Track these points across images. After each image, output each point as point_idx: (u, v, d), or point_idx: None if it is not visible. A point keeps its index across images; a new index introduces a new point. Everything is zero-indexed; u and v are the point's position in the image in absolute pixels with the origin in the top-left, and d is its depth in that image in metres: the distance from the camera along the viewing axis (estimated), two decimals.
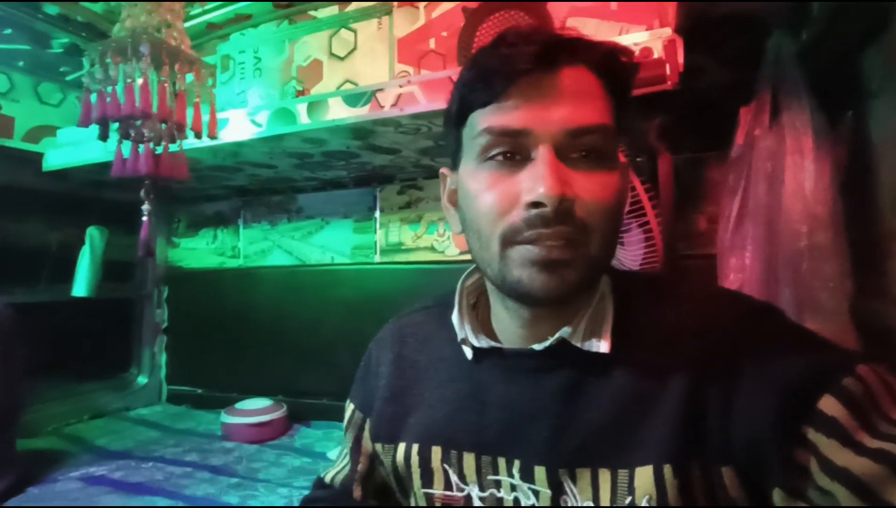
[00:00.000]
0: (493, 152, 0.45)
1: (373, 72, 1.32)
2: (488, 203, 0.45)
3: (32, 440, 1.47)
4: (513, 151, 0.44)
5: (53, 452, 1.47)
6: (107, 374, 1.96)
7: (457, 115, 0.49)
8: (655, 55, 0.89)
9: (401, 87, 1.05)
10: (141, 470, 1.32)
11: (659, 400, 0.44)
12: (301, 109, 1.17)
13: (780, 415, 0.39)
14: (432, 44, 1.26)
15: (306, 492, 1.18)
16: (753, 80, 0.94)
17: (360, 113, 1.09)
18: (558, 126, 0.43)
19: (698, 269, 0.93)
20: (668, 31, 0.87)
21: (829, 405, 0.38)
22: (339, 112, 1.13)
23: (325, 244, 1.81)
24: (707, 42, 0.95)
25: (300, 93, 1.38)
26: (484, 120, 0.45)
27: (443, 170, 0.55)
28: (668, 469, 0.42)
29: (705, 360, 0.43)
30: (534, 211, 0.42)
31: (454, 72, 0.79)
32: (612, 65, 0.46)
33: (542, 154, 0.43)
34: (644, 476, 0.43)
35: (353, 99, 1.11)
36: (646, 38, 0.89)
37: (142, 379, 2.00)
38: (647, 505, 0.43)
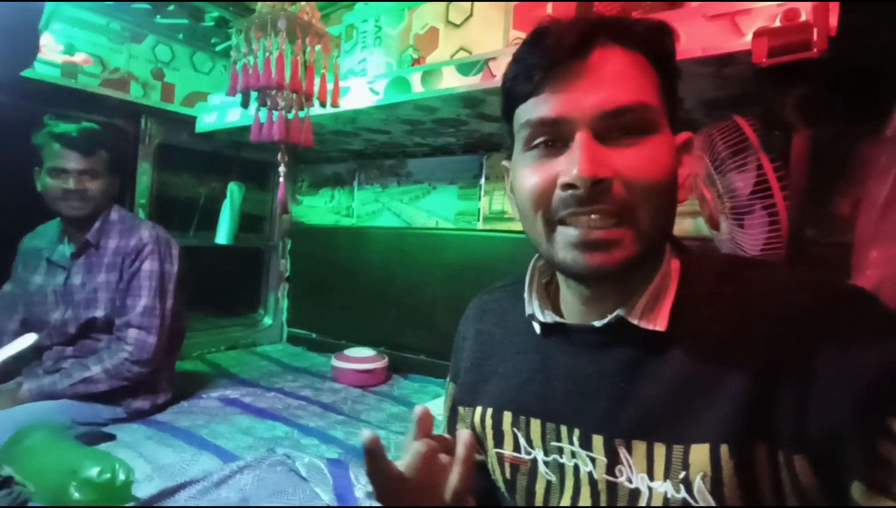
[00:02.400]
0: (536, 141, 0.48)
1: (487, 39, 1.32)
2: (530, 186, 0.48)
3: (182, 362, 1.75)
4: (553, 138, 0.47)
5: (198, 374, 1.75)
6: (239, 313, 2.27)
7: (505, 110, 0.52)
8: (802, 17, 0.79)
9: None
10: (266, 398, 1.53)
11: (720, 381, 0.44)
12: (415, 77, 1.21)
13: (862, 406, 0.38)
14: (550, 9, 1.22)
15: (402, 437, 1.30)
16: None
17: (472, 82, 1.11)
18: (594, 110, 0.44)
19: (833, 258, 0.83)
20: None
21: None
22: (451, 81, 1.15)
23: (431, 209, 1.88)
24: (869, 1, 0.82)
25: (416, 62, 1.42)
26: (525, 113, 0.48)
27: (504, 163, 0.58)
28: (724, 449, 0.42)
29: (778, 343, 0.42)
30: (568, 192, 0.44)
31: None
32: (647, 40, 0.47)
33: (579, 138, 0.45)
34: (699, 454, 0.43)
35: (465, 68, 1.13)
36: None
37: (267, 320, 2.27)
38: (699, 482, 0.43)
